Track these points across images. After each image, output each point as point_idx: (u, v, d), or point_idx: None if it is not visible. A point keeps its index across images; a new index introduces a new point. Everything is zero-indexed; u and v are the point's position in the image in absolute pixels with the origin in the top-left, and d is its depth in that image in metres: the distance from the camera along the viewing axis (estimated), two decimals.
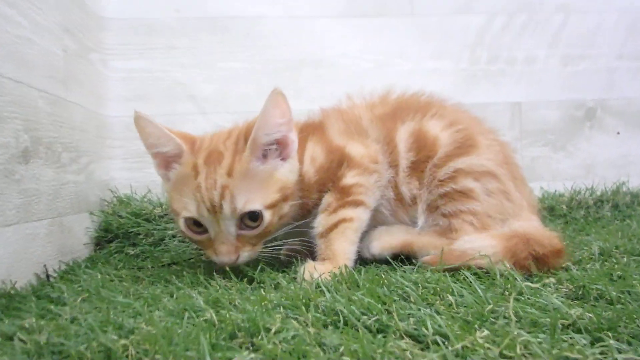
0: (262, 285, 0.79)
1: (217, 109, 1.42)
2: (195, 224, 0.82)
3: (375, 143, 0.95)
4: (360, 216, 0.89)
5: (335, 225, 0.87)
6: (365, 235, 0.94)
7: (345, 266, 0.81)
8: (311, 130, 0.96)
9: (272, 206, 0.82)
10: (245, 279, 0.82)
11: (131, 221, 1.25)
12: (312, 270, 0.79)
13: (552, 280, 0.72)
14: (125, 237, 1.24)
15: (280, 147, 0.85)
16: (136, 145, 1.39)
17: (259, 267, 0.84)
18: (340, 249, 0.85)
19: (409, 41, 1.51)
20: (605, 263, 0.84)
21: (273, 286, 0.78)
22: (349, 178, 0.91)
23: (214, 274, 0.85)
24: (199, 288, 0.78)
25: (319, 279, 0.75)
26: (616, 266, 0.80)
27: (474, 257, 0.78)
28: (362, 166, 0.91)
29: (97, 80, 1.31)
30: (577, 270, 0.78)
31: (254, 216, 0.80)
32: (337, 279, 0.76)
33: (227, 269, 0.82)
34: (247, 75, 1.44)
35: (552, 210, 1.44)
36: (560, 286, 0.70)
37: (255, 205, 0.79)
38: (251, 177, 0.81)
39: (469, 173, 0.90)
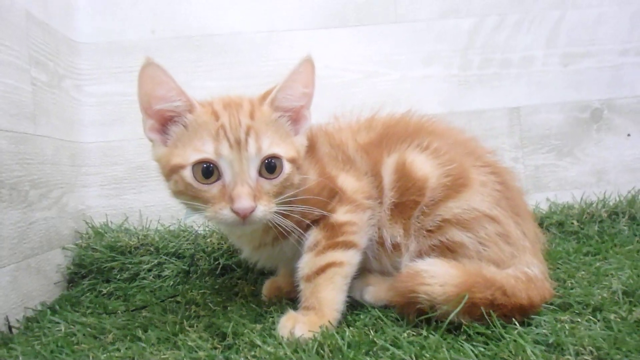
0: (236, 343, 0.71)
1: None
2: (205, 174, 0.73)
3: (364, 175, 0.86)
4: (351, 260, 0.80)
5: (322, 270, 0.78)
6: (359, 275, 0.85)
7: (330, 322, 0.73)
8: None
9: (291, 160, 0.78)
10: (217, 336, 0.74)
11: (105, 255, 1.18)
12: (293, 324, 0.72)
13: (571, 340, 0.59)
14: (98, 273, 1.17)
15: (294, 118, 0.82)
16: (113, 171, 1.34)
17: (232, 324, 0.76)
18: (328, 299, 0.76)
19: (396, 49, 1.44)
20: (633, 311, 0.71)
21: (247, 347, 0.69)
22: (341, 215, 0.82)
23: (185, 326, 0.79)
24: (165, 351, 0.70)
25: (300, 337, 0.69)
26: None
27: (424, 280, 0.69)
28: (355, 202, 0.83)
29: (70, 107, 1.27)
30: (600, 324, 0.66)
31: (274, 165, 0.76)
32: (317, 342, 0.66)
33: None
34: (225, 93, 1.37)
35: (561, 225, 1.31)
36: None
37: (279, 149, 0.76)
38: (273, 128, 0.78)
39: (458, 223, 0.79)
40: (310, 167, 0.85)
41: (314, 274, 0.78)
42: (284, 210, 0.77)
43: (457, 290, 0.69)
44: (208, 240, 1.23)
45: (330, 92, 1.41)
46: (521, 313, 0.71)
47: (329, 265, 0.78)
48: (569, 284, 0.89)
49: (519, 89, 1.46)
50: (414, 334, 0.70)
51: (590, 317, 0.71)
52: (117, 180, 1.34)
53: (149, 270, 1.17)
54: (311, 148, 0.88)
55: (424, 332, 0.69)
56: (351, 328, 0.74)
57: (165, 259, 1.19)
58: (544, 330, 0.68)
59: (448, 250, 0.80)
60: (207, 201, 0.74)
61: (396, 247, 0.84)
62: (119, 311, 0.95)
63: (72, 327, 0.87)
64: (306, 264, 0.79)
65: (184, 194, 0.76)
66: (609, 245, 1.18)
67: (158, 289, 1.12)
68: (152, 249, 1.22)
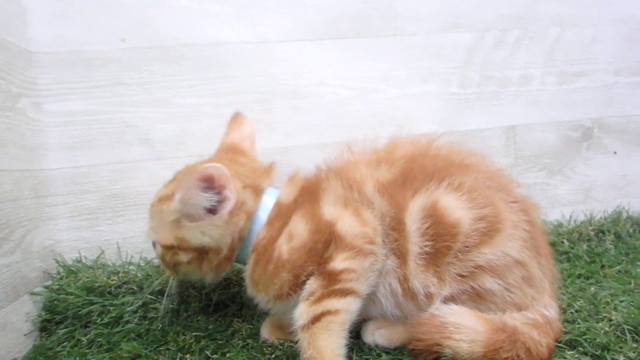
0: None
1: (177, 153, 1.22)
2: None
3: (378, 219, 0.80)
4: (348, 307, 0.76)
5: (317, 319, 0.74)
6: (368, 316, 0.83)
7: None
8: (304, 197, 0.84)
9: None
10: None
11: (81, 298, 1.06)
12: None
13: None
14: (75, 318, 1.05)
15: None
16: (84, 201, 1.20)
17: None
18: (326, 347, 0.73)
19: (394, 64, 1.35)
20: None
21: None
22: (339, 262, 0.76)
23: None
24: None
25: None
26: None
27: (452, 335, 0.68)
28: (356, 248, 0.77)
29: (29, 130, 1.09)
30: None
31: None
32: None
33: None
34: (210, 110, 1.24)
35: (553, 245, 1.31)
36: None
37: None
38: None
39: (490, 269, 0.77)
40: (302, 222, 0.80)
41: (309, 324, 0.74)
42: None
43: (484, 351, 0.69)
44: None
45: (325, 110, 1.31)
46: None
47: (325, 314, 0.75)
48: (570, 315, 0.89)
49: (516, 107, 1.43)
50: None
51: (599, 358, 0.71)
52: (90, 210, 1.19)
53: (134, 312, 1.06)
54: (313, 197, 0.83)
55: None
56: None
57: (151, 298, 1.09)
58: None
59: (477, 297, 0.78)
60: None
61: (429, 296, 0.79)
62: None
63: None
64: (301, 314, 0.76)
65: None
66: (598, 266, 1.20)
67: (145, 334, 1.02)
68: (134, 287, 1.10)
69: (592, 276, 1.14)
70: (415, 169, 0.83)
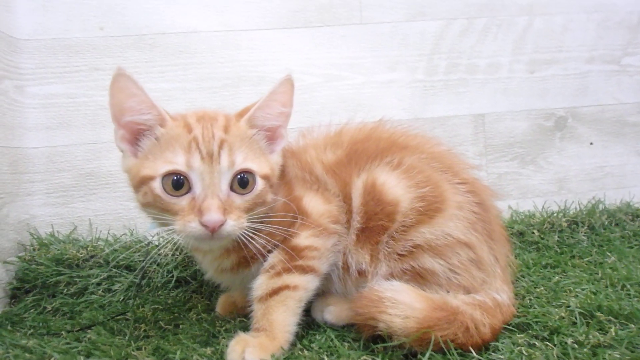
0: None
1: None
2: (175, 185, 0.71)
3: (335, 198, 0.83)
4: (307, 285, 0.78)
5: (276, 292, 0.76)
6: (320, 295, 0.84)
7: (281, 346, 0.72)
8: None
9: (264, 177, 0.76)
10: None
11: (50, 269, 1.12)
12: (243, 349, 0.70)
13: None
14: (43, 288, 1.11)
15: (269, 137, 0.80)
16: (60, 178, 1.28)
17: (180, 349, 0.73)
18: (279, 321, 0.75)
19: (359, 52, 1.39)
20: (590, 334, 0.70)
21: None
22: (303, 239, 0.79)
23: (132, 349, 0.75)
24: None
25: None
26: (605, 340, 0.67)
27: (386, 310, 0.68)
28: (321, 226, 0.79)
29: (10, 110, 1.19)
30: (557, 348, 0.66)
31: (246, 181, 0.74)
32: None
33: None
34: (179, 95, 1.31)
35: (522, 235, 1.31)
36: None
37: (252, 165, 0.74)
38: (248, 144, 0.76)
39: (430, 249, 0.77)
40: (279, 189, 0.83)
41: (267, 296, 0.76)
42: (253, 228, 0.75)
43: (418, 327, 0.68)
44: (162, 251, 1.19)
45: None
46: (478, 346, 0.70)
47: (283, 288, 0.76)
48: (527, 301, 0.88)
49: (484, 95, 1.44)
50: (369, 359, 0.68)
51: (547, 342, 0.71)
52: (65, 187, 1.27)
53: (98, 284, 1.12)
54: (282, 169, 0.85)
55: (379, 358, 0.68)
56: (306, 352, 0.72)
57: (116, 272, 1.14)
58: (501, 357, 0.67)
59: (419, 276, 0.78)
60: (176, 213, 0.72)
61: (362, 273, 0.81)
62: (64, 331, 0.90)
63: (9, 351, 0.81)
64: (260, 285, 0.77)
65: (153, 206, 0.74)
66: (568, 257, 1.18)
67: (107, 305, 1.07)
68: (101, 261, 1.16)
69: (559, 265, 1.12)
70: (360, 150, 0.86)
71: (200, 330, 0.84)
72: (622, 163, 1.49)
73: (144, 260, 1.15)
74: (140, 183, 0.74)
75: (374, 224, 0.80)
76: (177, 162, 0.71)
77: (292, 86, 0.79)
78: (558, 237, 1.29)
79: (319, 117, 1.36)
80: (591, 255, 1.18)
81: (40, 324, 0.96)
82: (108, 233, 1.26)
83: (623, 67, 1.48)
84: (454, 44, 1.42)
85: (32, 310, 1.06)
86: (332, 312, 0.84)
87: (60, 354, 0.77)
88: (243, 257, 0.79)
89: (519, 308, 0.84)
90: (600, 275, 0.97)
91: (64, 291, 1.11)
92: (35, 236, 1.21)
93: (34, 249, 1.18)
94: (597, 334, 0.69)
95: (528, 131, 1.47)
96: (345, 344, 0.74)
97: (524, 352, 0.67)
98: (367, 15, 1.38)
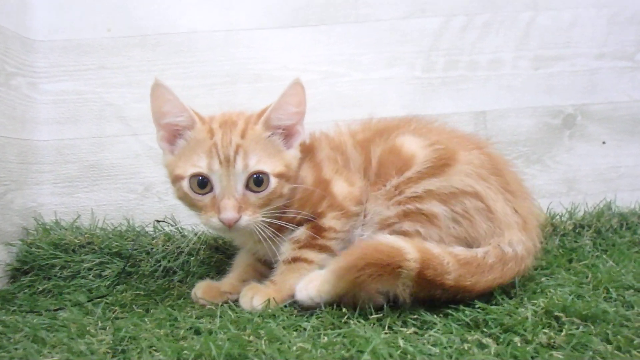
0: (128, 349, 0.70)
1: (149, 130, 1.32)
2: (200, 185, 0.84)
3: (358, 172, 0.93)
4: (320, 262, 0.88)
5: (295, 260, 0.88)
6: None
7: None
8: (303, 152, 0.95)
9: (278, 175, 0.85)
10: (117, 341, 0.73)
11: (47, 252, 1.18)
12: (253, 294, 0.85)
13: None
14: (40, 270, 1.17)
15: (287, 134, 0.89)
16: (66, 170, 1.34)
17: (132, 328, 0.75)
18: (290, 282, 0.87)
19: (357, 49, 1.39)
20: (538, 333, 0.67)
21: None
22: (328, 220, 0.89)
23: (93, 329, 0.79)
24: (54, 354, 0.70)
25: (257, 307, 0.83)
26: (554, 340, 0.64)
27: (406, 257, 0.74)
28: (344, 209, 0.89)
29: (22, 105, 1.27)
30: (501, 346, 0.64)
31: (261, 180, 0.84)
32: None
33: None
34: (180, 92, 1.33)
35: None
36: None
37: (265, 166, 0.84)
38: (262, 145, 0.86)
39: (437, 195, 0.83)
40: (308, 171, 0.93)
41: (287, 261, 0.88)
42: (270, 218, 0.86)
43: (419, 268, 0.75)
44: (153, 241, 1.22)
45: None
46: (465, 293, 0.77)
47: (301, 260, 0.88)
48: (499, 299, 0.83)
49: (486, 92, 1.41)
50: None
51: (497, 339, 0.67)
52: (70, 178, 1.34)
53: (89, 269, 1.16)
54: (311, 152, 0.96)
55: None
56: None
57: (108, 259, 1.18)
58: (446, 351, 0.64)
59: (420, 217, 0.83)
60: (201, 209, 0.85)
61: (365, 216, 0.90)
62: (43, 310, 0.94)
63: None
64: (286, 251, 0.90)
65: (184, 200, 0.88)
66: (564, 260, 1.11)
67: (96, 289, 1.11)
68: (96, 247, 1.20)
69: (550, 268, 1.06)
70: (383, 129, 0.97)
71: (165, 314, 0.85)
72: (637, 163, 1.41)
73: (131, 248, 1.18)
74: (174, 180, 0.87)
75: (387, 171, 0.88)
76: (200, 165, 0.83)
77: (301, 88, 0.87)
78: (560, 240, 1.22)
79: (317, 113, 1.36)
80: (589, 259, 1.10)
81: (28, 303, 1.01)
82: (103, 221, 1.30)
83: (637, 63, 1.41)
84: (454, 40, 1.40)
85: (26, 290, 1.11)
86: (315, 287, 0.83)
87: (29, 328, 0.81)
88: (265, 237, 0.87)
89: (493, 305, 0.79)
90: (590, 278, 0.91)
91: (58, 274, 1.15)
92: (40, 222, 1.28)
93: (37, 234, 1.25)
94: (552, 334, 0.66)
95: (533, 129, 1.42)
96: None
97: (465, 347, 0.64)
98: (364, 12, 1.39)
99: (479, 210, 0.83)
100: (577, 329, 0.68)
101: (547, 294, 0.84)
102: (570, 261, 1.11)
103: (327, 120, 1.34)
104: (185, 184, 0.84)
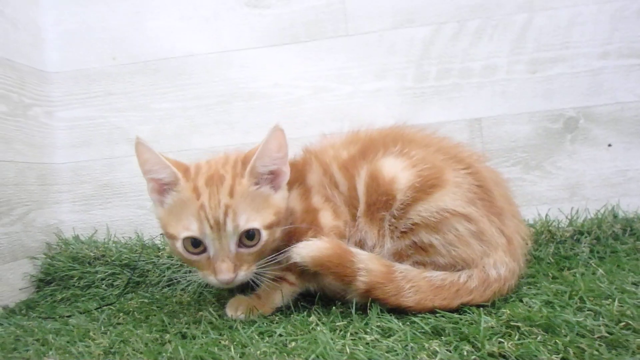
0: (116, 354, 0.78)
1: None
2: (193, 245, 0.85)
3: (344, 199, 0.93)
4: (301, 284, 0.94)
5: (278, 279, 0.92)
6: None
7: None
8: (293, 176, 0.95)
9: (269, 227, 0.86)
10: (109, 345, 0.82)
11: (66, 265, 1.31)
12: (237, 305, 0.91)
13: None
14: (60, 280, 1.31)
15: (273, 177, 0.90)
16: (82, 189, 1.47)
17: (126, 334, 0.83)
18: (272, 298, 0.92)
19: (347, 63, 1.41)
20: (488, 342, 0.68)
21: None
22: None
23: (95, 332, 0.87)
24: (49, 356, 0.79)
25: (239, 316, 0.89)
26: (503, 349, 0.66)
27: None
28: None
29: (40, 132, 1.40)
30: (453, 353, 0.67)
31: (252, 235, 0.85)
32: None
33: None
34: (179, 113, 1.44)
35: None
36: None
37: (255, 223, 0.84)
38: (250, 200, 0.86)
39: (426, 225, 0.84)
40: (298, 200, 0.94)
41: (272, 280, 0.92)
42: (265, 264, 0.88)
43: (366, 288, 0.82)
44: (160, 253, 1.32)
45: (280, 110, 1.42)
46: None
47: (284, 280, 0.93)
48: (468, 308, 0.85)
49: (480, 99, 1.38)
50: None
51: (447, 347, 0.69)
52: (86, 197, 1.46)
53: (102, 279, 1.28)
54: (300, 176, 0.96)
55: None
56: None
57: (119, 270, 1.30)
58: (396, 358, 0.67)
59: (422, 250, 0.86)
60: (197, 267, 0.88)
61: (371, 249, 0.90)
62: (58, 317, 1.06)
63: (7, 327, 0.99)
64: (271, 270, 0.92)
65: (179, 257, 0.92)
66: (554, 269, 1.08)
67: (107, 297, 1.22)
68: (108, 260, 1.32)
69: (535, 276, 1.05)
70: (368, 146, 0.96)
71: (159, 321, 0.93)
72: None
73: (138, 260, 1.28)
74: (168, 236, 0.88)
75: (376, 199, 0.88)
76: (192, 229, 0.83)
77: (281, 132, 0.87)
78: (554, 248, 1.19)
79: (308, 128, 1.41)
80: (584, 267, 1.07)
81: (48, 310, 1.14)
82: (114, 236, 1.42)
83: None
84: (445, 48, 1.38)
85: (48, 299, 1.25)
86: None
87: (40, 331, 0.93)
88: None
89: (440, 314, 0.81)
90: (571, 288, 0.89)
91: (75, 284, 1.28)
92: (61, 238, 1.41)
93: (59, 248, 1.38)
94: (506, 343, 0.67)
95: (532, 134, 1.37)
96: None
97: (418, 356, 0.67)
98: (353, 26, 1.40)
99: (471, 233, 0.84)
100: (535, 338, 0.68)
101: (515, 304, 0.85)
102: (562, 269, 1.09)
103: (318, 135, 1.39)
104: (179, 245, 0.85)
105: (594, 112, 1.36)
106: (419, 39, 1.39)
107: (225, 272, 0.82)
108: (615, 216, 1.27)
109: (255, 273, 0.87)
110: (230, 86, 1.43)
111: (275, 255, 0.88)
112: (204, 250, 0.84)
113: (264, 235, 0.85)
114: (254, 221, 0.84)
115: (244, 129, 1.43)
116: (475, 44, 1.37)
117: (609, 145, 1.36)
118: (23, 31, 1.36)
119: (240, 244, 0.84)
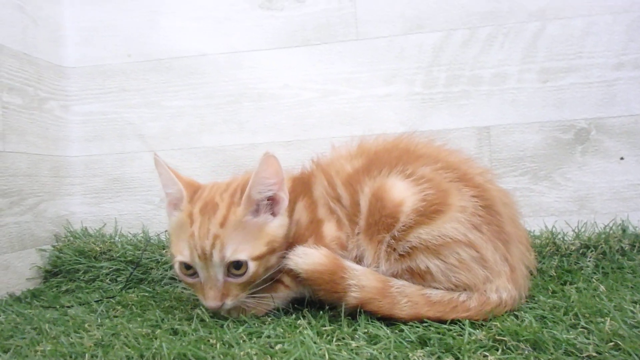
0: (107, 343, 0.79)
1: (163, 146, 1.47)
2: (187, 268, 0.87)
3: (347, 213, 0.92)
4: (295, 288, 0.93)
5: (275, 281, 0.92)
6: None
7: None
8: (300, 188, 0.97)
9: (258, 258, 0.86)
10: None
11: (73, 258, 1.34)
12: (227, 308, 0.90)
13: None
14: (67, 273, 1.34)
15: (272, 203, 0.90)
16: (93, 182, 1.51)
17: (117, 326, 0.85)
18: (267, 300, 0.92)
19: (356, 67, 1.42)
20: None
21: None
22: None
23: (91, 324, 0.89)
24: (46, 343, 0.81)
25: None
26: None
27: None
28: (330, 250, 0.90)
29: (54, 126, 1.45)
30: None
31: (240, 265, 0.85)
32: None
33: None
34: (190, 111, 1.47)
35: None
36: None
37: (242, 255, 0.84)
38: (242, 229, 0.86)
39: (426, 248, 0.82)
40: (304, 211, 0.95)
41: (269, 282, 0.91)
42: (254, 290, 0.89)
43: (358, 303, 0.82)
44: (163, 251, 1.34)
45: (288, 111, 1.43)
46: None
47: (279, 283, 0.93)
48: (464, 321, 0.84)
49: (490, 107, 1.37)
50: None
51: (434, 358, 0.69)
52: (97, 190, 1.50)
53: (107, 274, 1.31)
54: (307, 188, 0.97)
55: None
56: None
57: (123, 266, 1.32)
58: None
59: (418, 276, 0.84)
60: (191, 287, 0.92)
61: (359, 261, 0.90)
62: (57, 306, 1.08)
63: (9, 315, 1.02)
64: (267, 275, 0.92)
65: (178, 277, 0.93)
66: (556, 283, 1.06)
67: (110, 291, 1.25)
68: (114, 255, 1.35)
69: (534, 289, 1.03)
70: (374, 161, 0.94)
71: (154, 316, 0.94)
72: None
73: (140, 255, 1.31)
74: (170, 254, 0.92)
75: (378, 220, 0.86)
76: (185, 255, 0.86)
77: (274, 159, 0.87)
78: (559, 261, 1.17)
79: (315, 130, 1.42)
80: (585, 282, 1.05)
81: (51, 300, 1.16)
82: (121, 229, 1.45)
83: None
84: (455, 55, 1.37)
85: (54, 290, 1.28)
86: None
87: (39, 320, 0.95)
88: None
89: (427, 323, 0.81)
90: (568, 302, 0.87)
91: (81, 277, 1.31)
92: (69, 230, 1.45)
93: (67, 240, 1.42)
94: (490, 356, 0.66)
95: (541, 144, 1.35)
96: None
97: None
98: (363, 30, 1.41)
99: (473, 259, 0.82)
100: (520, 354, 0.68)
101: (508, 317, 0.83)
102: (563, 283, 1.07)
103: (325, 137, 1.40)
104: (176, 265, 0.88)
105: (607, 124, 1.33)
106: (428, 44, 1.38)
107: (212, 300, 0.84)
108: (624, 230, 1.25)
109: (249, 295, 0.88)
110: (240, 86, 1.45)
111: (270, 283, 0.89)
112: (196, 274, 0.86)
113: (252, 266, 0.85)
114: (242, 252, 0.84)
115: (253, 129, 1.44)
116: (486, 52, 1.36)
117: (621, 158, 1.33)
118: (43, 28, 1.41)
119: (228, 273, 0.85)
